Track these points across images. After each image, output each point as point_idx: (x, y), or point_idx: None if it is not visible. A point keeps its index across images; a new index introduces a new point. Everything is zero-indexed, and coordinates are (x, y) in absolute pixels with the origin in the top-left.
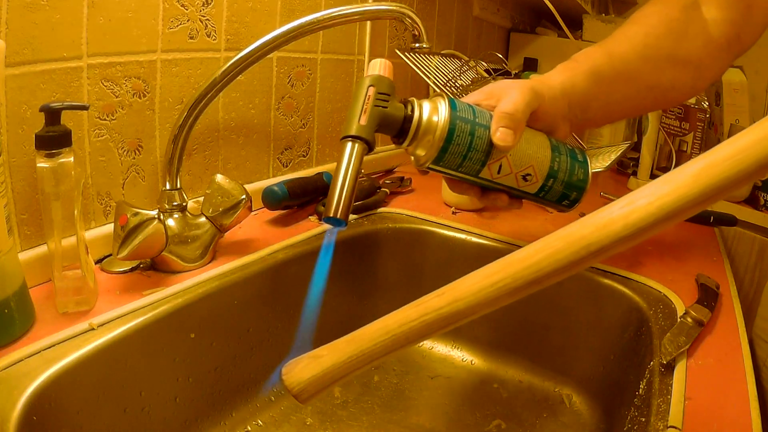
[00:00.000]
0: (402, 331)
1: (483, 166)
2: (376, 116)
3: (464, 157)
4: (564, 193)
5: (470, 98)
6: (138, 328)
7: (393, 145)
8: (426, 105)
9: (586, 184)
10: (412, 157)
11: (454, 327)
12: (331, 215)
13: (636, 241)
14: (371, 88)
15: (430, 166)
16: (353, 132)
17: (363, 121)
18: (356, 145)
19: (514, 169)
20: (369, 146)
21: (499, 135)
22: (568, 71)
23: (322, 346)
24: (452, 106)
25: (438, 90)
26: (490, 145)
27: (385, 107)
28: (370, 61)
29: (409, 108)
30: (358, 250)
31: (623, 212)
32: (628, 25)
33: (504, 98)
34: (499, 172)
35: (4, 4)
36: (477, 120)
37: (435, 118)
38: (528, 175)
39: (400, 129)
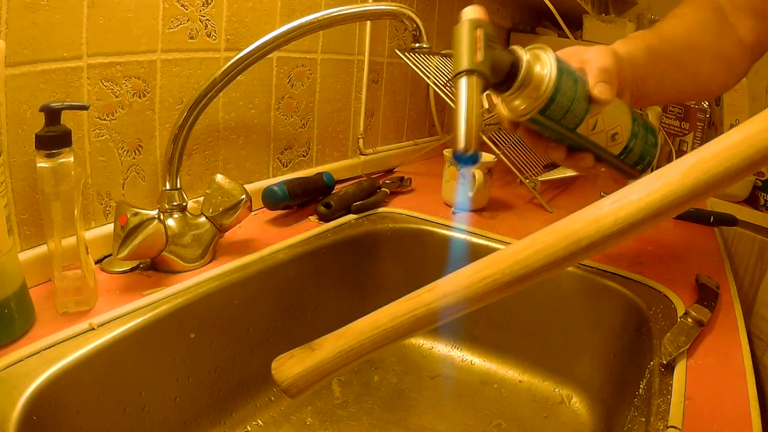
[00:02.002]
0: (392, 325)
1: (581, 120)
2: (489, 56)
3: (567, 110)
4: (640, 157)
5: None
6: (138, 328)
7: (393, 145)
8: (530, 55)
9: (657, 150)
10: (507, 109)
11: (444, 322)
12: (463, 148)
13: (627, 236)
14: (479, 30)
15: (535, 116)
16: (469, 65)
17: (479, 57)
18: (473, 77)
19: (606, 127)
20: (486, 83)
21: (599, 89)
22: (629, 45)
23: (313, 340)
24: (557, 58)
25: (440, 90)
26: (588, 100)
27: (495, 49)
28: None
29: (516, 55)
30: (358, 250)
31: (614, 208)
32: (669, 19)
33: (593, 56)
34: (594, 129)
35: (4, 4)
36: (576, 74)
37: (542, 69)
38: (616, 134)
39: (506, 75)
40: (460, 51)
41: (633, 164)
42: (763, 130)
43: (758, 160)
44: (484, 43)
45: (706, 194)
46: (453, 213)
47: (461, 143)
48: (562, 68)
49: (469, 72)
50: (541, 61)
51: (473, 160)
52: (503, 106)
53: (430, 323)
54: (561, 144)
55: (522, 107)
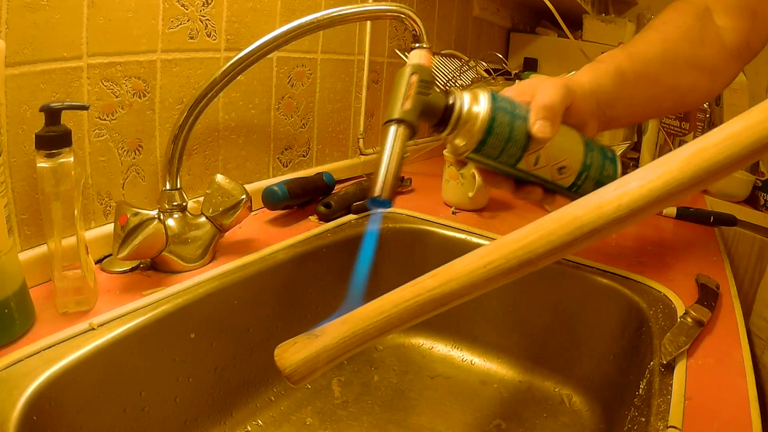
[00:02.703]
0: (396, 311)
1: (521, 157)
2: (419, 103)
3: (503, 147)
4: (595, 188)
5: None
6: (138, 328)
7: None
8: (466, 95)
9: (618, 176)
10: (450, 147)
11: (448, 307)
12: (377, 195)
13: (628, 223)
14: (414, 76)
15: (470, 155)
16: (397, 115)
17: (407, 106)
18: (400, 127)
19: (551, 161)
20: (413, 130)
21: (538, 126)
22: (594, 71)
23: (316, 327)
24: (493, 97)
25: (440, 89)
26: (528, 137)
27: (428, 94)
28: (367, 61)
29: (451, 98)
30: (358, 250)
31: (616, 194)
32: (647, 31)
33: (539, 92)
34: (536, 164)
35: (4, 4)
36: (516, 111)
37: (476, 108)
38: (563, 167)
39: (441, 117)
40: (394, 99)
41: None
42: (764, 119)
43: (758, 148)
44: (416, 89)
45: (706, 182)
46: (453, 213)
47: (377, 190)
48: (497, 107)
49: (397, 121)
50: (477, 102)
51: (386, 205)
52: (448, 145)
53: (433, 309)
54: (508, 178)
55: (461, 145)
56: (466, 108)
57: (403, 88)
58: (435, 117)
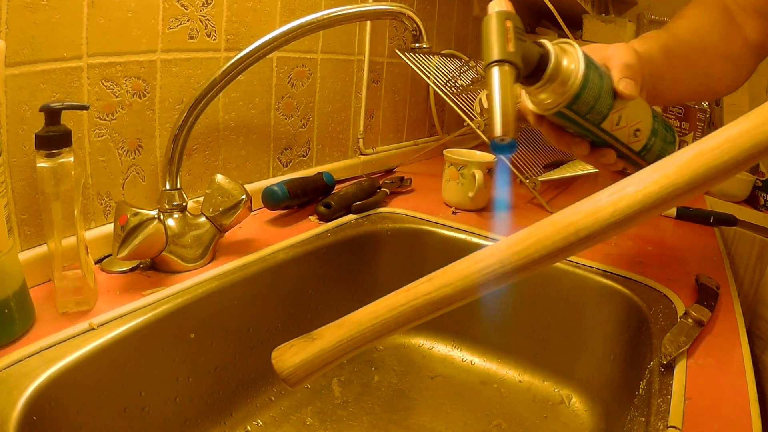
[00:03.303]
0: (392, 315)
1: (606, 115)
2: (519, 47)
3: (593, 105)
4: (659, 153)
5: None
6: (138, 328)
7: (393, 145)
8: (559, 49)
9: (675, 147)
10: (530, 103)
11: (443, 312)
12: (500, 134)
13: (624, 228)
14: (509, 21)
15: (562, 110)
16: (502, 55)
17: (511, 48)
18: (506, 66)
19: (629, 122)
20: (518, 73)
21: (624, 84)
22: (645, 43)
23: (313, 330)
24: (584, 53)
25: (440, 90)
26: (613, 95)
27: (525, 41)
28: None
29: (544, 49)
30: (358, 250)
31: (612, 199)
32: (680, 19)
33: (615, 53)
34: (617, 124)
35: (4, 4)
36: (602, 70)
37: (570, 63)
38: (638, 130)
39: (535, 68)
40: (491, 41)
41: (653, 161)
42: (761, 124)
43: (755, 153)
44: (514, 34)
45: (703, 187)
46: (453, 213)
47: (498, 130)
48: (590, 63)
49: (501, 62)
50: (569, 56)
51: (511, 147)
52: (528, 100)
53: (428, 313)
54: (584, 139)
55: (548, 101)
56: (563, 63)
57: (498, 33)
58: (529, 67)
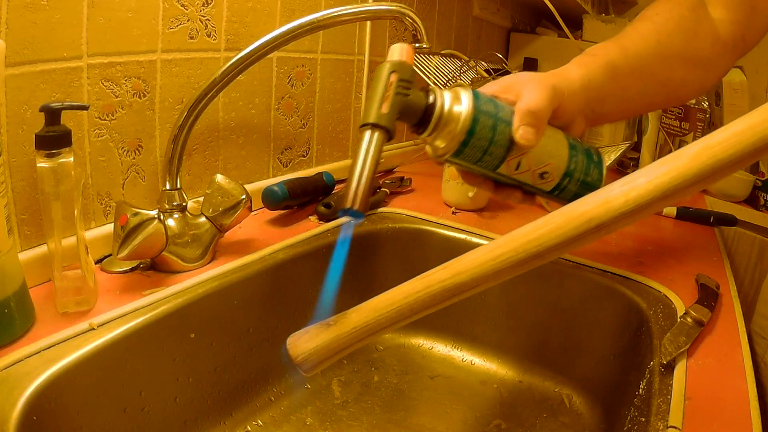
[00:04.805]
0: (407, 302)
1: (502, 161)
2: (397, 104)
3: (485, 151)
4: (577, 193)
5: (486, 90)
6: (138, 328)
7: (393, 145)
8: (448, 95)
9: (601, 184)
10: (429, 148)
11: (458, 299)
12: (348, 206)
13: (635, 217)
14: (393, 75)
15: (449, 158)
16: (373, 119)
17: (384, 109)
18: (376, 133)
19: (533, 167)
20: (389, 135)
21: (522, 133)
22: (585, 66)
23: (331, 317)
24: (475, 97)
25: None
26: (511, 141)
27: (407, 95)
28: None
29: (431, 97)
30: (358, 250)
31: (623, 190)
32: (640, 21)
33: (525, 94)
34: (517, 169)
35: (4, 4)
36: (499, 114)
37: (457, 109)
38: (545, 173)
39: (421, 118)
40: (371, 100)
41: (570, 200)
42: (765, 120)
43: (761, 147)
44: (395, 90)
45: (712, 178)
46: (453, 213)
47: (349, 201)
48: (480, 109)
49: (372, 126)
50: (459, 101)
51: (358, 216)
52: (427, 146)
53: (443, 300)
54: (488, 179)
55: (440, 147)
56: (447, 108)
57: (381, 89)
58: (415, 117)
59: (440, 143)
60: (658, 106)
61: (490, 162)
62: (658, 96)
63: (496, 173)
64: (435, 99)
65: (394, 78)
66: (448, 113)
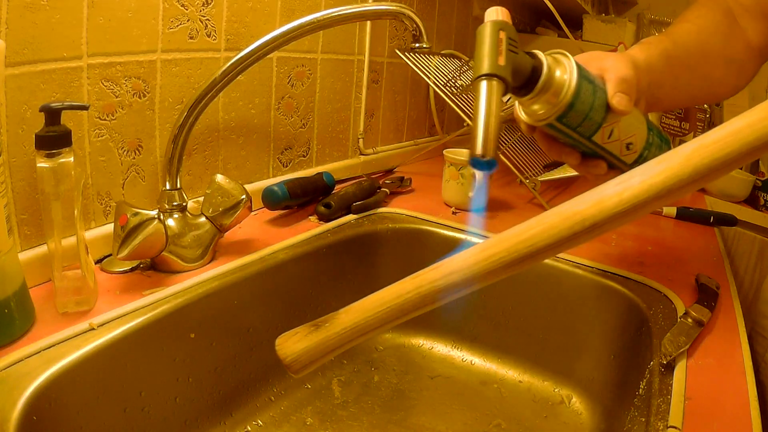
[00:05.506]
0: (397, 302)
1: (598, 128)
2: (510, 60)
3: (584, 118)
4: None
5: None
6: (138, 328)
7: (393, 145)
8: (551, 59)
9: None
10: (524, 113)
11: (449, 300)
12: (480, 153)
13: (630, 218)
14: (503, 32)
15: (552, 122)
16: (492, 70)
17: (502, 62)
18: (494, 82)
19: (622, 136)
20: (506, 87)
21: (618, 99)
22: (646, 51)
23: (318, 318)
24: (577, 64)
25: (440, 90)
26: (607, 108)
27: (517, 53)
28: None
29: (537, 60)
30: (358, 250)
31: (617, 190)
32: (681, 23)
33: (612, 65)
34: (609, 137)
35: (4, 4)
36: (596, 81)
37: (562, 74)
38: (631, 144)
39: (527, 79)
40: (482, 54)
41: None
42: (764, 117)
43: (758, 146)
44: (506, 46)
45: (708, 178)
46: (453, 213)
47: (478, 149)
48: (583, 76)
49: (489, 76)
50: (562, 68)
51: (490, 166)
52: (521, 110)
53: (434, 301)
54: (575, 150)
55: (540, 112)
56: (555, 74)
57: (490, 45)
58: (521, 78)
59: (540, 108)
60: (699, 100)
61: (587, 129)
62: (701, 90)
63: (590, 141)
64: (541, 62)
65: (503, 35)
66: (555, 77)
